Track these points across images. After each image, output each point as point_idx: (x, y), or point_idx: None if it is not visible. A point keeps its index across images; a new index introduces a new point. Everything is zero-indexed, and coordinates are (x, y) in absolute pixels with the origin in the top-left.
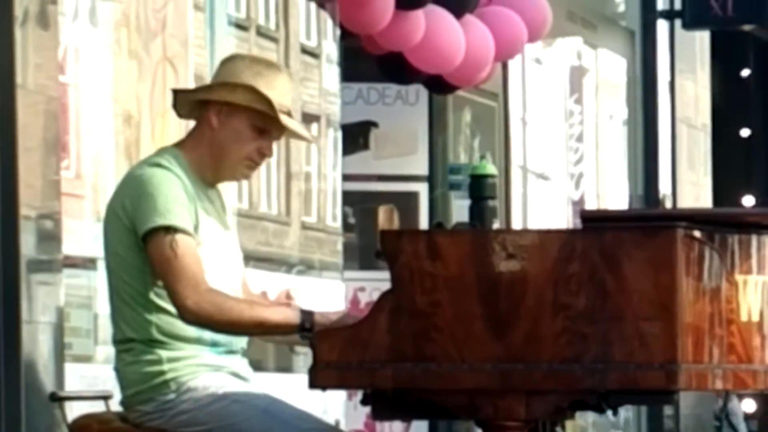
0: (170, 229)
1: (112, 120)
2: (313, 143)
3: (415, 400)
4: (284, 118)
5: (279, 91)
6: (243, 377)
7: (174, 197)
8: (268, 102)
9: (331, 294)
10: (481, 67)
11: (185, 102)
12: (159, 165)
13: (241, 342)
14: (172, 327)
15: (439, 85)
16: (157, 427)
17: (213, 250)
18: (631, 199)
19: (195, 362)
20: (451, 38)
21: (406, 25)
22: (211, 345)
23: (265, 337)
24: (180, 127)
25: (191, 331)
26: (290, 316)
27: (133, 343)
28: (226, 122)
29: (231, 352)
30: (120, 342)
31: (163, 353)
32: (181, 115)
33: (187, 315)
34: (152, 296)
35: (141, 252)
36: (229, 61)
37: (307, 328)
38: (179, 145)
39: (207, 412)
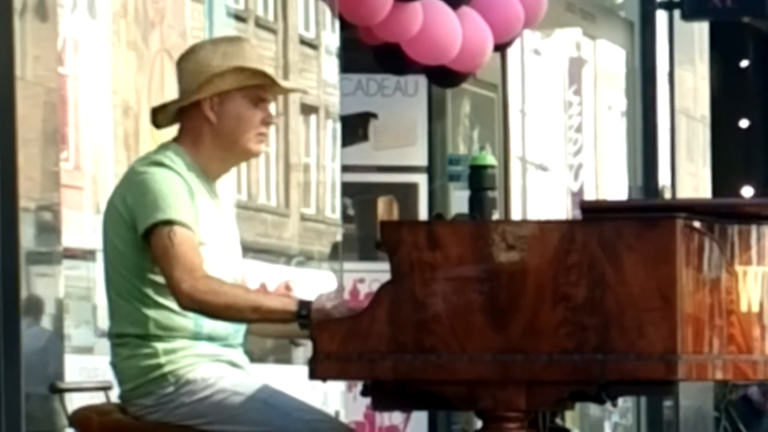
0: (169, 222)
1: (111, 111)
2: (308, 94)
3: (414, 391)
4: (283, 82)
5: (253, 58)
6: (239, 365)
7: (175, 194)
8: (261, 73)
9: (328, 284)
10: (479, 58)
11: (165, 113)
12: (161, 164)
13: (238, 338)
14: (170, 322)
15: (439, 76)
16: (158, 420)
17: (215, 248)
18: (631, 190)
19: (192, 353)
20: (447, 30)
21: (404, 16)
22: (208, 339)
23: (263, 330)
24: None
25: (189, 326)
26: (287, 303)
27: (129, 337)
28: (222, 111)
29: (229, 345)
30: (115, 336)
31: (159, 346)
32: (161, 126)
33: (183, 299)
34: (149, 291)
35: (140, 248)
36: (190, 55)
37: (304, 315)
38: (180, 140)
39: (207, 404)
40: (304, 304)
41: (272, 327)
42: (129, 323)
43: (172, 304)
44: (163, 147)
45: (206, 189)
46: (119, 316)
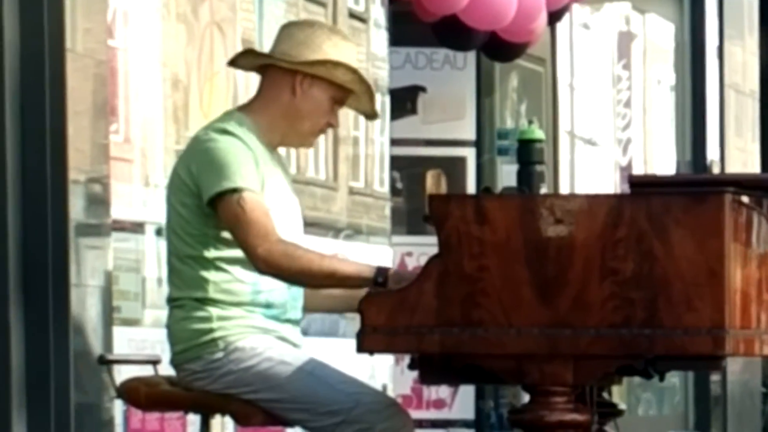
0: (237, 190)
1: (161, 84)
2: (378, 118)
3: (462, 364)
4: (377, 101)
5: (353, 60)
6: (293, 343)
7: (240, 161)
8: (359, 83)
9: (379, 258)
10: (534, 19)
11: (250, 60)
12: (225, 131)
13: (295, 311)
14: (228, 286)
15: (494, 50)
16: (204, 387)
17: (279, 215)
18: (679, 164)
19: (244, 323)
20: None
21: None
22: (265, 307)
23: (314, 304)
24: (228, 91)
25: (247, 291)
26: (363, 270)
27: (187, 300)
28: (308, 92)
29: (286, 320)
30: (174, 299)
31: (214, 311)
32: (238, 67)
33: (260, 264)
34: (212, 257)
35: (204, 216)
36: (307, 27)
37: (381, 282)
38: (246, 108)
39: (253, 372)
40: (381, 271)
41: (324, 302)
42: (189, 287)
43: (234, 269)
44: (228, 115)
45: (269, 157)
46: (179, 280)
